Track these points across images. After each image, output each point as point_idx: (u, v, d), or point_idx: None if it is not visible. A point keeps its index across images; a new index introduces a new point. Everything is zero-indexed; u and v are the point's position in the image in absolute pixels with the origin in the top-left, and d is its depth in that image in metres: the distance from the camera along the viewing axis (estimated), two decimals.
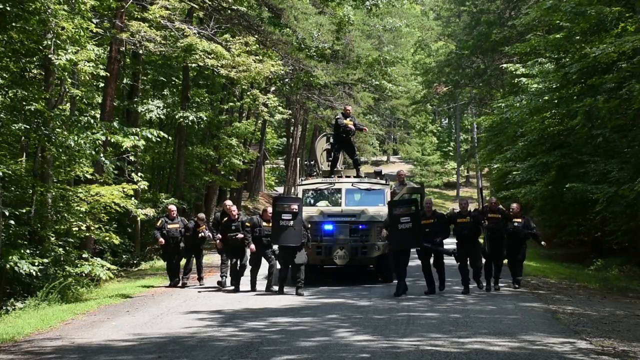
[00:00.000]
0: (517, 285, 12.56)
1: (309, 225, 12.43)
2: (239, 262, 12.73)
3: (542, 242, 12.98)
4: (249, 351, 7.36)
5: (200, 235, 13.54)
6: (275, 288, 12.39)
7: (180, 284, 13.70)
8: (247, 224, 12.63)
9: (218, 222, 13.08)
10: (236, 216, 12.83)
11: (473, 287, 12.36)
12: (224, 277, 13.21)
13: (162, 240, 13.38)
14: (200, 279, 14.02)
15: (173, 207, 14.00)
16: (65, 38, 12.24)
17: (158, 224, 13.65)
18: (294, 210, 11.91)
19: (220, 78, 24.40)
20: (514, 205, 12.72)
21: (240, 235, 12.56)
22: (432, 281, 12.03)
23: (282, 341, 7.93)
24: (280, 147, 54.20)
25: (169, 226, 13.49)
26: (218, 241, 13.04)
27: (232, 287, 12.80)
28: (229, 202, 13.27)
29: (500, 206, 13.14)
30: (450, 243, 12.75)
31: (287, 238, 11.88)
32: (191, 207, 28.06)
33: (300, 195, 14.23)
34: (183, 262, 14.06)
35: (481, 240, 12.85)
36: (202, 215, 14.12)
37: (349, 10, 25.56)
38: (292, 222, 11.81)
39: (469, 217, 12.18)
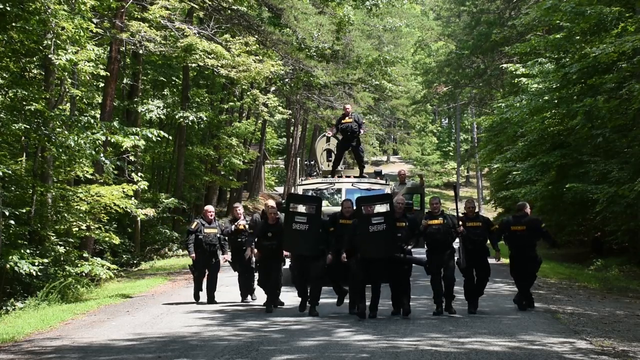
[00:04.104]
0: (530, 308, 10.23)
1: (332, 228, 9.92)
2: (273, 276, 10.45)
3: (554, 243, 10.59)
4: (249, 351, 7.37)
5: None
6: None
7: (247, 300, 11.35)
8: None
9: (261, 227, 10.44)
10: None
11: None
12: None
13: (193, 254, 11.11)
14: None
15: (210, 208, 11.60)
16: (65, 38, 12.24)
17: (193, 226, 11.25)
18: (311, 211, 9.91)
19: (220, 78, 24.43)
20: (521, 205, 10.64)
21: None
22: (399, 298, 9.73)
23: (282, 341, 7.93)
24: (280, 147, 54.18)
25: (206, 230, 11.12)
26: (256, 250, 10.45)
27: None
28: (271, 202, 10.98)
29: (480, 212, 10.65)
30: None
31: (300, 245, 9.84)
32: (191, 207, 28.11)
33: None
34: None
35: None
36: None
37: (349, 10, 25.56)
38: (307, 227, 9.74)
39: (442, 218, 9.86)
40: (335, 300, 10.27)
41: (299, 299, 10.23)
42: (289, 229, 9.85)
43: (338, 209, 12.67)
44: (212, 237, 11.14)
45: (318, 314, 9.76)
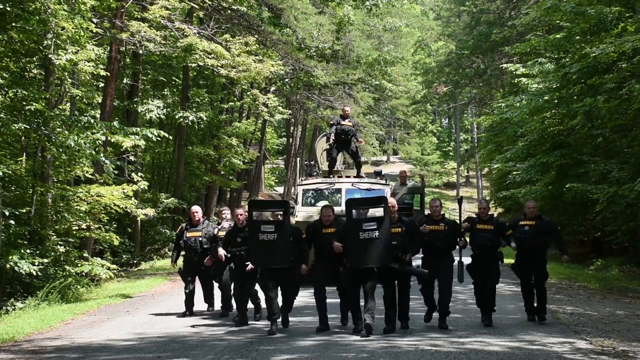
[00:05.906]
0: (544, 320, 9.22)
1: (305, 235, 8.88)
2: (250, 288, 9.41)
3: (564, 256, 9.70)
4: (249, 351, 7.37)
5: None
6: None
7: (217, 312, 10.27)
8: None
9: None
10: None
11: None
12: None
13: (174, 262, 10.34)
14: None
15: (196, 209, 10.45)
16: (65, 38, 12.25)
17: (177, 231, 10.49)
18: (278, 219, 8.78)
19: (220, 78, 24.40)
20: (530, 204, 9.52)
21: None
22: (394, 314, 8.66)
23: (282, 340, 7.94)
24: (280, 147, 54.18)
25: (187, 234, 10.12)
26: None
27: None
28: (240, 211, 9.49)
29: (493, 213, 9.82)
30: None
31: (269, 257, 8.61)
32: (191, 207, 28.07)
33: (300, 196, 14.12)
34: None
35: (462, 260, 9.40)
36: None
37: (349, 10, 25.56)
38: (275, 236, 8.54)
39: (443, 224, 8.92)
40: (332, 300, 9.50)
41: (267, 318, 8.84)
42: (255, 241, 8.65)
43: (338, 209, 11.76)
44: (192, 241, 10.08)
45: (275, 333, 8.44)
